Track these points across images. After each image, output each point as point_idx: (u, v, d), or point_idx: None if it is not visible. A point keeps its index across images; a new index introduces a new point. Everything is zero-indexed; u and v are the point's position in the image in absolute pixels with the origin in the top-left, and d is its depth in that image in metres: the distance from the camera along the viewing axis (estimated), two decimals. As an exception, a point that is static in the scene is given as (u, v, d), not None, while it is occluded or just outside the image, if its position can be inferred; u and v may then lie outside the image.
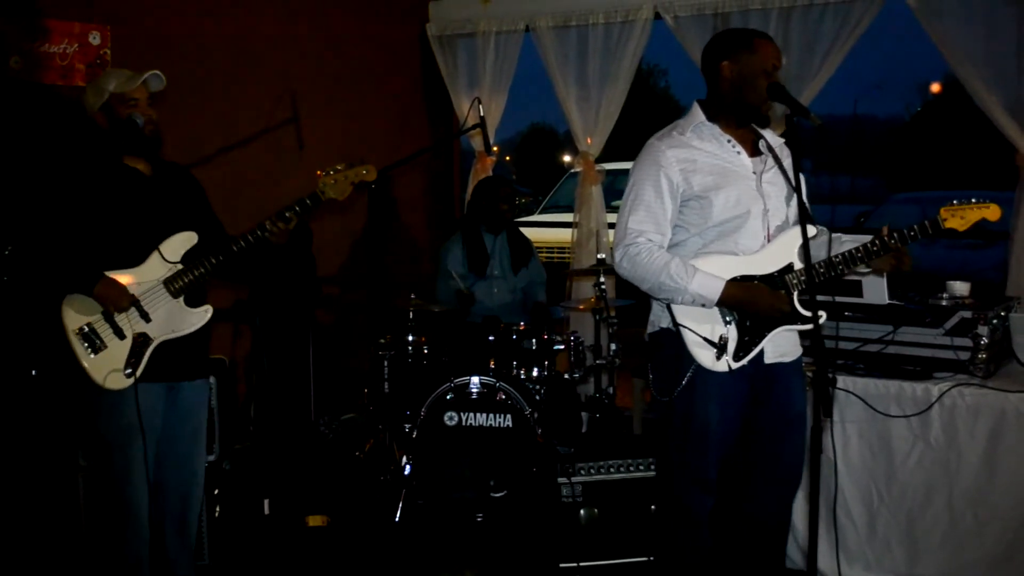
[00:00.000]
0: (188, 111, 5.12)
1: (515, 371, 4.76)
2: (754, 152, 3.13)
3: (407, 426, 4.62)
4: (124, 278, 3.20)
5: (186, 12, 5.24)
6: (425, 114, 6.92)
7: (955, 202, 3.00)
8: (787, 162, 3.13)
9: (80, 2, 4.78)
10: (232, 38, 5.49)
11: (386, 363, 4.92)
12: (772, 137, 3.19)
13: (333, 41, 6.12)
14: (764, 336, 3.08)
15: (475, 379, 4.51)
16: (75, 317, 3.19)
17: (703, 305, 3.03)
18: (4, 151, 4.33)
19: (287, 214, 3.28)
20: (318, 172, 3.33)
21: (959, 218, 2.99)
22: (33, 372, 4.02)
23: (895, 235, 3.01)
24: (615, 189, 9.36)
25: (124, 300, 3.17)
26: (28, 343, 4.02)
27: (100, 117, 3.25)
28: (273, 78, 5.72)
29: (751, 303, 3.02)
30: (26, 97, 4.54)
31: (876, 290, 3.90)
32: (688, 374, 3.08)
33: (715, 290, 3.00)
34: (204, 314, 3.34)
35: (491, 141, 5.86)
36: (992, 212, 3.00)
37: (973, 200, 2.99)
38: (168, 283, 3.25)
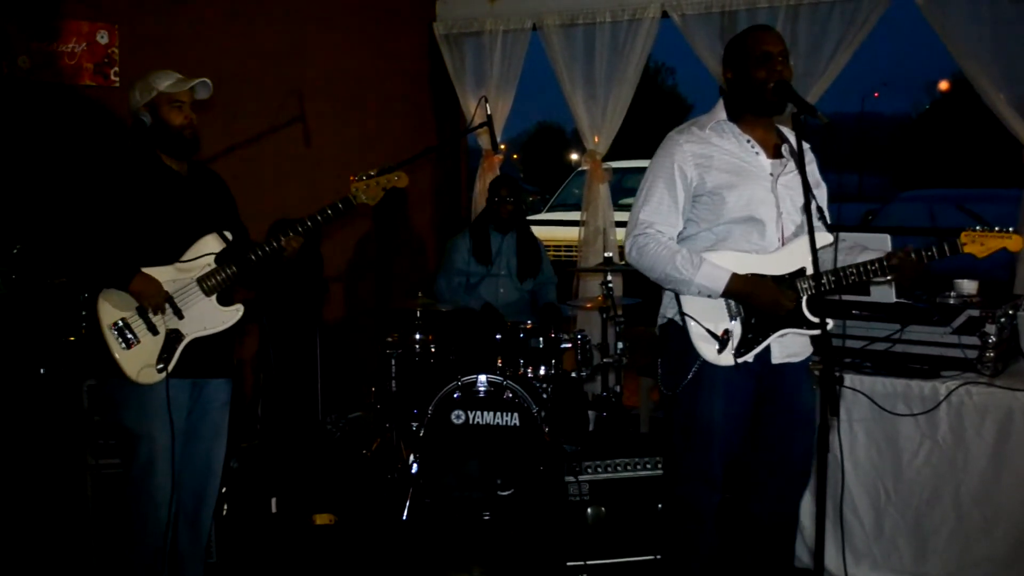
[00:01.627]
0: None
1: (522, 370, 4.76)
2: (775, 154, 3.13)
3: (414, 425, 4.63)
4: (160, 275, 3.23)
5: (193, 11, 5.25)
6: (432, 113, 6.92)
7: (978, 228, 2.99)
8: (810, 167, 3.15)
9: (88, 1, 4.79)
10: (239, 36, 5.50)
11: (393, 362, 4.93)
12: (796, 141, 3.18)
13: (340, 40, 6.12)
14: (769, 335, 3.08)
15: (482, 378, 4.52)
16: (110, 311, 3.22)
17: (709, 296, 3.05)
18: (15, 150, 4.35)
19: (319, 217, 3.36)
20: (351, 177, 3.39)
21: (979, 244, 2.98)
22: (41, 371, 4.04)
23: (912, 255, 3.00)
24: (622, 187, 9.35)
25: (160, 296, 3.21)
26: (37, 342, 4.04)
27: (143, 112, 3.28)
28: (280, 77, 5.73)
29: (755, 296, 3.02)
30: (37, 96, 4.56)
31: (884, 288, 3.90)
32: (694, 368, 3.09)
33: (720, 281, 3.01)
34: (235, 313, 3.39)
35: (498, 139, 5.86)
36: (1014, 243, 2.97)
37: (997, 228, 2.98)
38: (201, 281, 3.29)
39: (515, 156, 30.26)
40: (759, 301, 3.03)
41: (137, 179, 3.24)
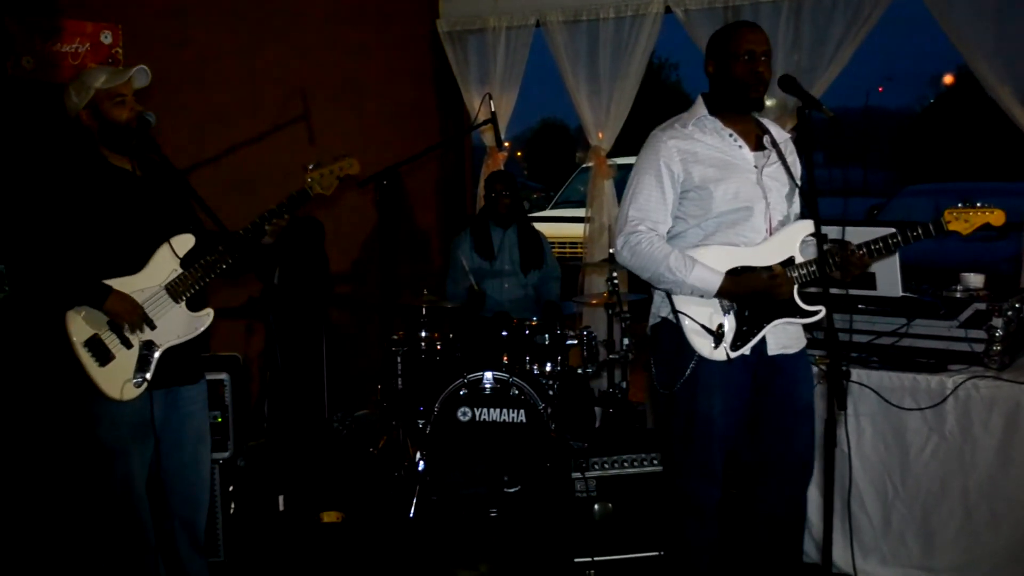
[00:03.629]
0: (199, 108, 5.13)
1: (528, 366, 4.76)
2: (758, 147, 3.14)
3: (421, 422, 4.63)
4: (127, 286, 3.11)
5: (197, 10, 5.25)
6: (436, 110, 6.92)
7: (960, 205, 3.03)
8: (791, 158, 3.18)
9: (92, 1, 4.79)
10: (243, 35, 5.50)
11: (399, 359, 4.93)
12: (777, 132, 3.20)
13: (344, 38, 6.13)
14: (763, 327, 3.08)
15: (488, 375, 4.52)
16: (81, 328, 3.10)
17: (701, 296, 3.05)
18: (19, 151, 4.35)
19: (276, 207, 3.26)
20: (308, 168, 3.32)
21: (963, 221, 3.03)
22: (40, 378, 4.02)
23: (899, 236, 3.02)
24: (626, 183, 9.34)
25: (135, 314, 3.10)
26: (33, 350, 4.03)
27: (85, 115, 3.13)
28: (284, 75, 5.74)
29: (749, 290, 3.03)
30: (38, 97, 4.56)
31: (890, 282, 3.88)
32: (690, 366, 3.09)
33: (713, 283, 3.02)
34: (206, 317, 3.26)
35: (502, 137, 5.86)
36: (996, 217, 3.03)
37: (979, 204, 3.02)
38: (170, 288, 3.17)
39: (519, 153, 30.25)
40: (754, 293, 3.03)
41: (92, 186, 3.10)
